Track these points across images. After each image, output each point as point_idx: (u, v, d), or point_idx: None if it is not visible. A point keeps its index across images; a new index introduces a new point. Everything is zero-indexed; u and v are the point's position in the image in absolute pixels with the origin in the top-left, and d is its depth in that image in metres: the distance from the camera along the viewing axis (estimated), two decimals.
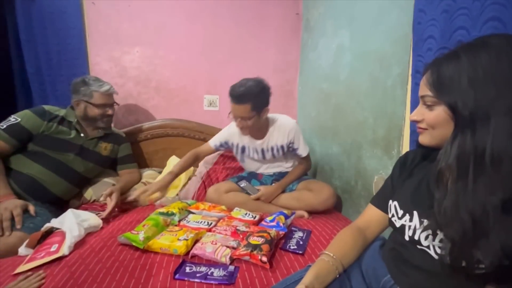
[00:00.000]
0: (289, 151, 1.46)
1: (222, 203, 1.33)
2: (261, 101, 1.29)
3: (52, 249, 0.86)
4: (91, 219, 1.07)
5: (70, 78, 1.52)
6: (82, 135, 1.36)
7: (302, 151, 1.43)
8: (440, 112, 0.52)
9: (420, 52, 0.86)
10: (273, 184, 1.45)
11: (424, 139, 0.57)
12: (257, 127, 1.36)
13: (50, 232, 1.00)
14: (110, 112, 1.42)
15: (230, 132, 1.46)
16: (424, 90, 0.54)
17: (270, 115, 1.42)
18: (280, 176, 1.50)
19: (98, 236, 0.99)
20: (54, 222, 1.01)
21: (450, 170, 0.48)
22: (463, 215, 0.45)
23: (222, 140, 1.48)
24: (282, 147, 1.41)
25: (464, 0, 0.69)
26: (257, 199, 1.35)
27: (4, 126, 1.20)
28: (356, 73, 1.31)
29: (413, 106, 0.91)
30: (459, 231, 0.46)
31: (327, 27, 1.59)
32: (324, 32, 1.63)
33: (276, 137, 1.41)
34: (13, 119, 1.23)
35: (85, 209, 1.21)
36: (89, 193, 1.39)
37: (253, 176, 1.52)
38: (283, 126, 1.40)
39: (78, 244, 0.93)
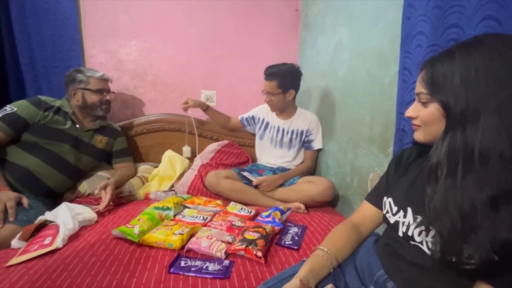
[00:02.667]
0: (304, 143, 1.59)
1: (220, 188, 1.35)
2: (288, 82, 1.47)
3: (46, 242, 0.86)
4: (86, 212, 1.06)
5: (64, 69, 1.50)
6: (77, 126, 1.35)
7: (317, 144, 1.57)
8: (433, 109, 0.52)
9: (408, 48, 0.84)
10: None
11: (418, 136, 0.58)
12: (283, 105, 1.54)
13: (44, 225, 0.99)
14: (108, 97, 1.43)
15: (259, 108, 1.69)
16: (419, 87, 0.55)
17: (300, 108, 1.61)
18: (282, 172, 1.53)
19: (92, 230, 0.99)
20: (48, 215, 1.01)
21: (441, 166, 0.49)
22: (451, 210, 0.46)
23: (250, 115, 1.70)
24: (301, 132, 1.56)
25: None
26: (259, 184, 1.38)
27: (0, 115, 1.19)
28: (354, 70, 1.31)
29: (400, 103, 0.91)
30: (447, 226, 0.46)
31: (326, 24, 1.58)
32: (323, 29, 1.62)
33: (299, 123, 1.57)
34: (9, 108, 1.22)
35: (80, 203, 1.20)
36: (84, 187, 1.38)
37: (255, 170, 1.55)
38: (308, 115, 1.60)
39: (72, 237, 0.92)
